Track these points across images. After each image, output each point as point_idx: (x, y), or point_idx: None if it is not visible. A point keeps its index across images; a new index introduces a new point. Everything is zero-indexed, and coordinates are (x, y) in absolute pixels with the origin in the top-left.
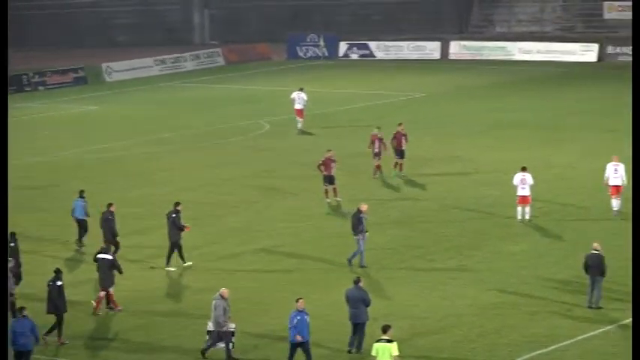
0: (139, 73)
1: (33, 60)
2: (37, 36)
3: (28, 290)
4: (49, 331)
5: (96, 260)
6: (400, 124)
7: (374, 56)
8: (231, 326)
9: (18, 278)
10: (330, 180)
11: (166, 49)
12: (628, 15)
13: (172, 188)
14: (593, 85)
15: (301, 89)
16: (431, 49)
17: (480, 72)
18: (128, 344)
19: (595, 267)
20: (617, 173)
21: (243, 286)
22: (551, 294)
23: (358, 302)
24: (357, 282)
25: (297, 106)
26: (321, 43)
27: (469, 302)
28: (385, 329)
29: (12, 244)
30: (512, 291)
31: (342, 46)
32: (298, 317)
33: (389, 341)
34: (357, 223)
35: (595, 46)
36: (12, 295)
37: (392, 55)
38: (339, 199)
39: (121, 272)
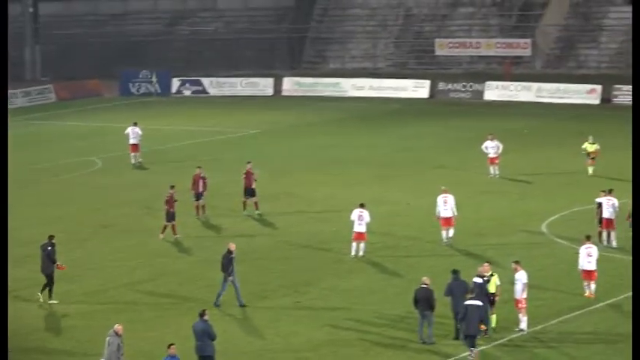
0: None
1: None
2: None
3: None
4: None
5: None
6: (249, 162)
7: (207, 92)
8: None
9: None
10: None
11: None
12: (458, 52)
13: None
14: (425, 121)
15: (135, 124)
16: (264, 86)
17: (313, 108)
18: None
19: (424, 301)
20: (446, 205)
21: (69, 325)
22: (385, 330)
23: (203, 335)
24: (202, 315)
25: (132, 141)
26: (154, 79)
27: (303, 339)
28: None
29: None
30: (347, 327)
31: (175, 83)
32: None
33: None
34: (228, 264)
35: (427, 83)
36: None
37: (225, 92)
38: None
39: None
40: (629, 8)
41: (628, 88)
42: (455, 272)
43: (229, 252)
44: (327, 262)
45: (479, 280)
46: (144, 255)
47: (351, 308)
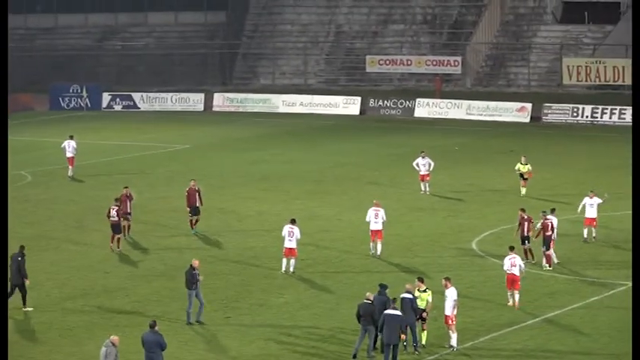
0: None
1: None
2: None
3: None
4: None
5: None
6: (193, 180)
7: (138, 107)
8: None
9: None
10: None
11: None
12: (389, 69)
13: None
14: (355, 137)
15: (71, 137)
16: (195, 101)
17: (244, 124)
18: None
19: (367, 316)
20: (377, 218)
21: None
22: (316, 345)
23: (154, 346)
24: (152, 326)
25: (68, 155)
26: (84, 93)
27: (233, 354)
28: None
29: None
30: (278, 342)
31: (106, 97)
32: None
33: None
34: (192, 279)
35: (357, 99)
36: None
37: (156, 107)
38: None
39: None
40: (559, 27)
41: (558, 106)
42: (382, 286)
43: (192, 268)
44: (257, 278)
45: (408, 295)
46: (75, 269)
47: (281, 324)
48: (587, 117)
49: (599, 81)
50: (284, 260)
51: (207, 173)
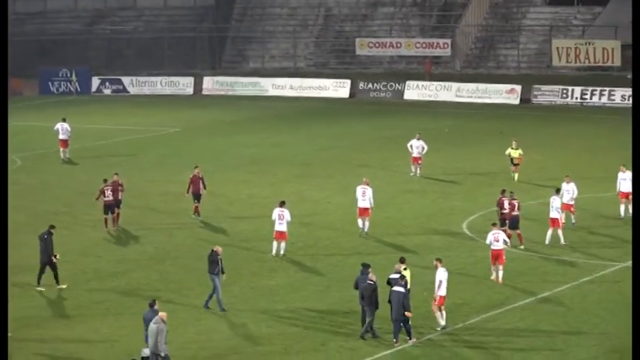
0: None
1: None
2: None
3: None
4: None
5: None
6: (197, 167)
7: (127, 91)
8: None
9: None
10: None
11: None
12: (379, 52)
13: None
14: (345, 120)
15: (64, 120)
16: (184, 85)
17: (233, 107)
18: None
19: (368, 297)
20: (364, 196)
21: None
22: (307, 327)
23: None
24: (152, 305)
25: (62, 137)
26: (73, 78)
27: (225, 336)
28: None
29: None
30: (268, 325)
31: (95, 81)
32: None
33: None
34: (214, 264)
35: (347, 82)
36: None
37: (146, 91)
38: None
39: None
40: (549, 9)
41: (547, 87)
42: (364, 266)
43: (215, 253)
44: (247, 261)
45: (395, 275)
46: (66, 253)
47: (272, 306)
48: (576, 98)
49: (589, 62)
50: (274, 243)
51: (196, 157)
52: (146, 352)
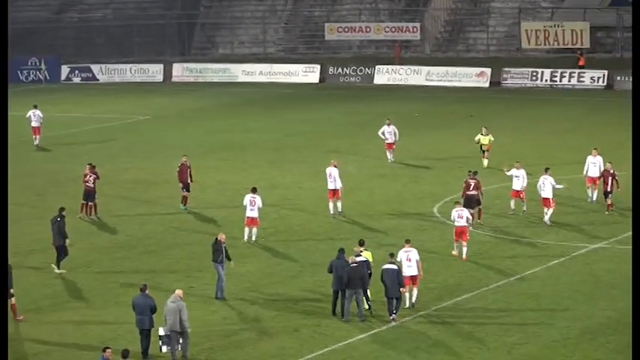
0: None
1: None
2: None
3: None
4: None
5: None
6: (185, 156)
7: (97, 79)
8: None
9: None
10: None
11: None
12: (348, 36)
13: None
14: (316, 105)
15: (35, 106)
16: (154, 72)
17: (203, 94)
18: None
19: (356, 279)
20: (331, 178)
21: None
22: (280, 314)
23: (144, 309)
24: (143, 289)
25: (34, 124)
26: (43, 66)
27: (197, 323)
28: (125, 354)
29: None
30: (240, 311)
31: (64, 69)
32: None
33: None
34: (218, 253)
35: (317, 67)
36: None
37: (115, 78)
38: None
39: None
40: None
41: (517, 70)
42: (340, 251)
43: (219, 242)
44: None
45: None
46: (36, 242)
47: (245, 293)
48: (546, 81)
49: (558, 45)
50: (246, 229)
51: (167, 144)
52: (163, 330)
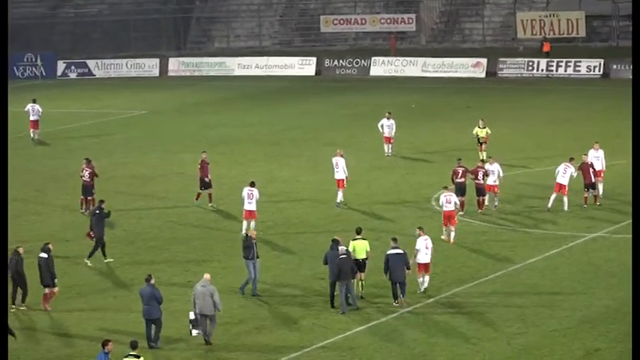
0: None
1: None
2: None
3: None
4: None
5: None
6: (204, 152)
7: (93, 75)
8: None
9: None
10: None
11: None
12: (343, 28)
13: None
14: (312, 98)
15: (34, 101)
16: (150, 67)
17: (200, 88)
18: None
19: (348, 271)
20: (337, 168)
21: None
22: (278, 307)
23: (151, 299)
24: (148, 279)
25: (32, 118)
26: (39, 62)
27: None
28: (134, 345)
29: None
30: (240, 305)
31: (61, 65)
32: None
33: (137, 357)
34: (249, 249)
35: (313, 60)
36: None
37: (111, 74)
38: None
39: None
40: None
41: (512, 60)
42: (334, 241)
43: (250, 238)
44: (218, 241)
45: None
46: (35, 238)
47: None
48: (542, 70)
49: (554, 34)
50: (244, 223)
51: (164, 138)
52: (193, 314)
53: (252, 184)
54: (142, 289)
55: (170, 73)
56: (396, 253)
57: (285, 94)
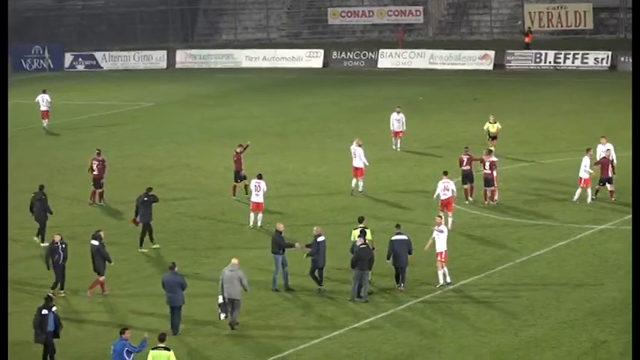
0: None
1: None
2: None
3: None
4: None
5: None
6: (240, 146)
7: (100, 67)
8: None
9: None
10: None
11: None
12: (351, 21)
13: None
14: (319, 90)
15: (44, 91)
16: (157, 59)
17: (207, 80)
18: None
19: (365, 260)
20: (355, 156)
21: None
22: (286, 299)
23: (175, 287)
24: (172, 267)
25: (43, 108)
26: (46, 54)
27: (205, 309)
28: (162, 338)
29: None
30: (247, 297)
31: (68, 57)
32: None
33: (166, 349)
34: (278, 243)
35: (321, 52)
36: None
37: (119, 66)
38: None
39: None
40: None
41: (520, 52)
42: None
43: (278, 232)
44: (225, 233)
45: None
46: (48, 229)
47: (250, 278)
48: (550, 62)
49: (561, 26)
50: (251, 215)
51: (172, 130)
52: (222, 298)
53: (260, 176)
54: (165, 276)
55: (177, 65)
56: (400, 239)
57: (293, 86)
